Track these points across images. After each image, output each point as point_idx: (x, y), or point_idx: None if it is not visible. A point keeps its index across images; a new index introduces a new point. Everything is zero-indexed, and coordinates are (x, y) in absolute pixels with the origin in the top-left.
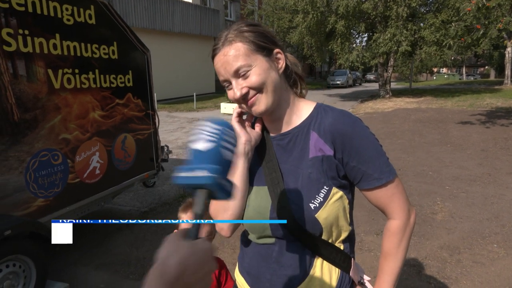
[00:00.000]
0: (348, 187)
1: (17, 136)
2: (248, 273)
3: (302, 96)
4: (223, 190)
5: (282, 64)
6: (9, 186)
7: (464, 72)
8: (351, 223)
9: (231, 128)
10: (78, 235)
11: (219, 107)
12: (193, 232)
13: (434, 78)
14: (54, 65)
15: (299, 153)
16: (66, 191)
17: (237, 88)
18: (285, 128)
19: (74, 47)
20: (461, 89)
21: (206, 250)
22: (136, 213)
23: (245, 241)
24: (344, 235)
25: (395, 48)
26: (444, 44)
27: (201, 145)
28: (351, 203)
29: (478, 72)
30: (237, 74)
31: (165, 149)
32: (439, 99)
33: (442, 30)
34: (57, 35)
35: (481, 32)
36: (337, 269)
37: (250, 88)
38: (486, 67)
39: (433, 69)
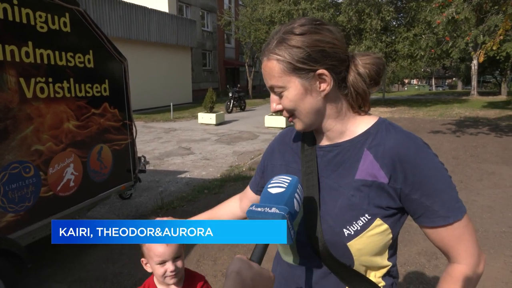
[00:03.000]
0: (398, 220)
1: None
2: None
3: (363, 112)
4: (288, 233)
5: (326, 87)
6: None
7: (433, 83)
8: (391, 258)
9: (301, 185)
10: (51, 251)
11: (196, 117)
12: (257, 257)
13: (406, 89)
14: (27, 74)
15: (345, 170)
16: (38, 205)
17: (273, 102)
18: (336, 139)
19: (48, 55)
20: (431, 99)
21: (270, 279)
22: None
23: (277, 256)
24: (382, 271)
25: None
26: (415, 55)
27: (279, 189)
28: (395, 238)
29: (446, 83)
30: (272, 89)
31: (142, 160)
32: (411, 109)
33: (415, 44)
34: (30, 43)
35: (450, 44)
36: None
37: (283, 108)
38: (454, 78)
39: (404, 80)
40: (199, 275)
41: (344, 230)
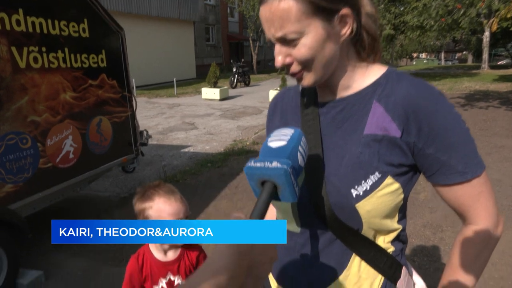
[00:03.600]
0: (410, 179)
1: None
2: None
3: (372, 61)
4: (291, 189)
5: (347, 30)
6: None
7: (442, 57)
8: (401, 221)
9: (305, 139)
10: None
11: (200, 93)
12: (258, 215)
13: (414, 63)
14: (18, 43)
15: (352, 125)
16: (38, 176)
17: (279, 55)
18: (340, 94)
19: (40, 23)
20: (440, 73)
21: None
22: (116, 199)
23: None
24: (391, 235)
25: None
26: (425, 25)
27: (280, 143)
28: (406, 199)
29: (456, 57)
30: (282, 40)
31: (145, 134)
32: None
33: (424, 14)
34: (20, 10)
35: (461, 12)
36: (380, 275)
37: (296, 60)
38: (464, 52)
39: (413, 54)
40: (196, 244)
41: (352, 190)
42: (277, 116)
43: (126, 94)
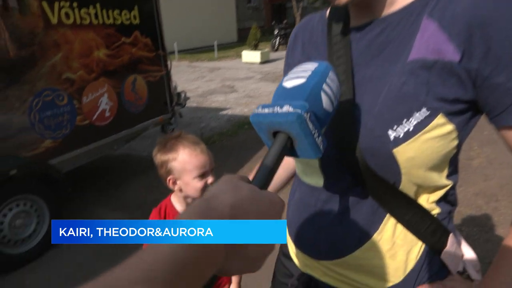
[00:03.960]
0: (468, 122)
1: (14, 73)
2: (289, 225)
3: None
4: (311, 141)
5: None
6: (12, 127)
7: None
8: (451, 176)
9: (335, 73)
10: (94, 177)
11: (241, 56)
12: (260, 180)
13: None
14: None
15: (393, 51)
16: (75, 133)
17: None
18: (380, 12)
19: None
20: None
21: (275, 204)
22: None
23: (296, 179)
24: (438, 193)
25: None
26: None
27: (297, 81)
28: (459, 147)
29: None
30: None
31: (183, 95)
32: None
33: None
34: None
35: None
36: (420, 242)
37: None
38: None
39: None
40: None
41: (390, 132)
42: (297, 50)
43: (161, 53)
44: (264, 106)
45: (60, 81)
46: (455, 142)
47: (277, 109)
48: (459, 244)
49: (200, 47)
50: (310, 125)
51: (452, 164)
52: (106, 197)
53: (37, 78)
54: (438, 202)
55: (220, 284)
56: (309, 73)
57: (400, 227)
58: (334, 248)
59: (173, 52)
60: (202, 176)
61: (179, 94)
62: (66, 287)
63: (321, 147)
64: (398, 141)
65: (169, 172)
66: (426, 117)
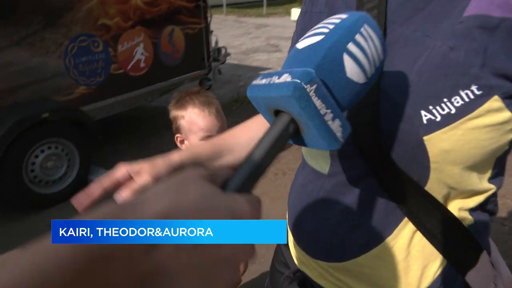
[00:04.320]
0: None
1: (50, 16)
2: (289, 211)
3: None
4: (317, 123)
5: None
6: (48, 70)
7: None
8: (495, 179)
9: (375, 27)
10: (126, 126)
11: (290, 14)
12: (238, 179)
13: None
14: None
15: (441, 6)
16: (109, 81)
17: None
18: None
19: None
20: None
21: (240, 216)
22: None
23: (302, 162)
24: (475, 199)
25: None
26: None
27: (313, 39)
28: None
29: None
30: None
31: (223, 51)
32: None
33: None
34: None
35: None
36: (441, 257)
37: None
38: None
39: None
40: None
41: (423, 112)
42: (319, 3)
43: (201, 4)
44: (264, 76)
45: (96, 26)
46: (510, 136)
47: (275, 79)
48: (494, 264)
49: (250, 1)
50: (317, 102)
51: (498, 164)
52: (136, 147)
53: (73, 22)
54: (473, 210)
55: None
56: (331, 26)
57: (419, 235)
58: (334, 248)
59: (221, 5)
60: (207, 139)
61: (219, 50)
62: None
63: (338, 134)
64: (432, 126)
65: (177, 129)
66: (475, 98)
